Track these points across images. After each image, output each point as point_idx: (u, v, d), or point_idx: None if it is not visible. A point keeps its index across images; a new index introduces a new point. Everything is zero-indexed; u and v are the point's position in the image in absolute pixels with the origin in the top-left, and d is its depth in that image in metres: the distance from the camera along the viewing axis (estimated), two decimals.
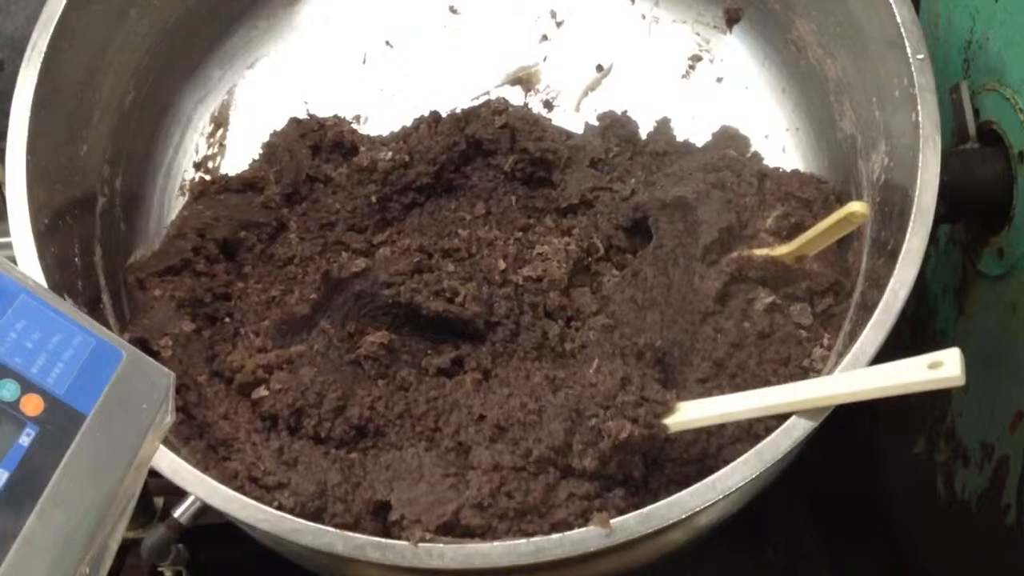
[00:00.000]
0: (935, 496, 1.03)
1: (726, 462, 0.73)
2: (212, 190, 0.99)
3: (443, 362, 0.91)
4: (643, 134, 1.02)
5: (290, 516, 0.73)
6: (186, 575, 1.00)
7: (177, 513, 0.82)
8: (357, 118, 1.08)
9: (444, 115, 1.02)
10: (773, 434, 0.73)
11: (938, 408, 1.01)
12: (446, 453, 0.81)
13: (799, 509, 1.15)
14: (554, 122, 1.04)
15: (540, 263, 0.94)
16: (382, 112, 1.08)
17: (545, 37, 1.11)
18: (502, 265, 0.93)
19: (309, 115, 1.05)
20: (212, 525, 0.82)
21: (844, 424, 0.75)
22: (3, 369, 0.45)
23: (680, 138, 1.02)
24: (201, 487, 0.74)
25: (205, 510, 0.78)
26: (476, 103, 1.06)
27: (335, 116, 1.05)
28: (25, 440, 0.44)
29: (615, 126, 1.02)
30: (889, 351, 0.72)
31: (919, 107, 0.80)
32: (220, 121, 1.08)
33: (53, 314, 0.47)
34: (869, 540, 1.16)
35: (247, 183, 1.00)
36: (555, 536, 0.71)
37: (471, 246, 0.96)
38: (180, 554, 0.93)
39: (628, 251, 0.97)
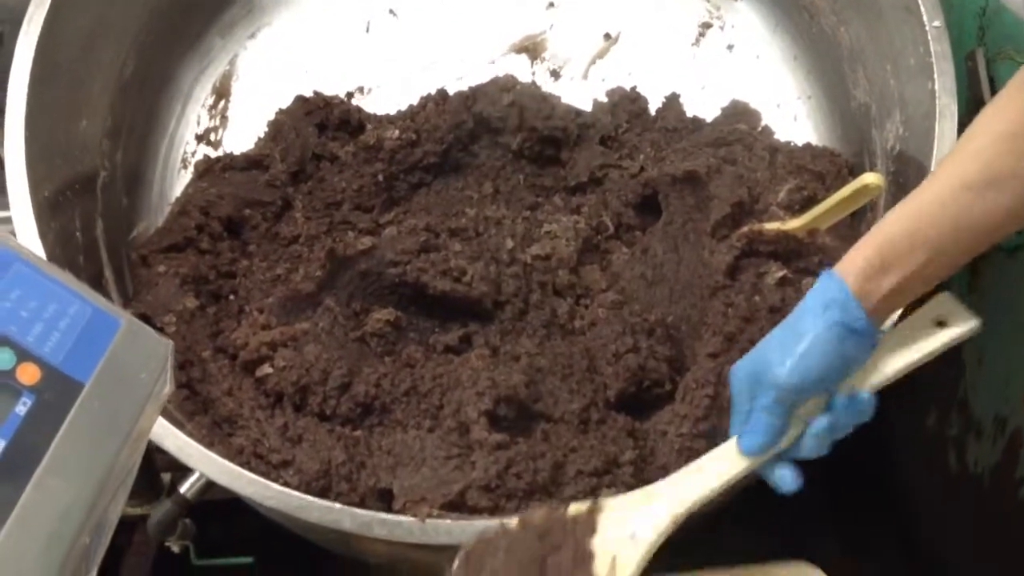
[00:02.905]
0: (946, 470, 1.02)
1: None
2: (217, 167, 0.98)
3: (451, 339, 0.90)
4: (652, 109, 1.01)
5: (297, 493, 0.73)
6: (193, 550, 1.00)
7: (183, 489, 0.82)
8: (360, 89, 1.07)
9: (451, 92, 1.01)
10: None
11: (950, 381, 1.00)
12: (448, 433, 0.80)
13: (808, 483, 1.14)
14: (561, 91, 1.03)
15: (548, 241, 0.93)
16: (386, 82, 1.07)
17: (551, 4, 1.09)
18: (510, 244, 0.93)
19: (315, 92, 1.03)
20: (219, 500, 0.81)
21: None
22: None
23: (690, 108, 1.00)
24: (208, 465, 0.73)
25: (211, 485, 0.78)
26: (481, 73, 1.04)
27: (338, 96, 1.04)
28: (21, 409, 0.43)
29: (624, 102, 1.01)
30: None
31: (935, 75, 0.79)
32: (222, 92, 1.06)
33: (49, 283, 0.47)
34: (879, 514, 1.15)
35: (252, 161, 0.99)
36: None
37: (478, 225, 0.95)
38: (187, 529, 0.93)
39: (638, 228, 0.96)
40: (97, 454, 0.44)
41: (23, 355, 0.44)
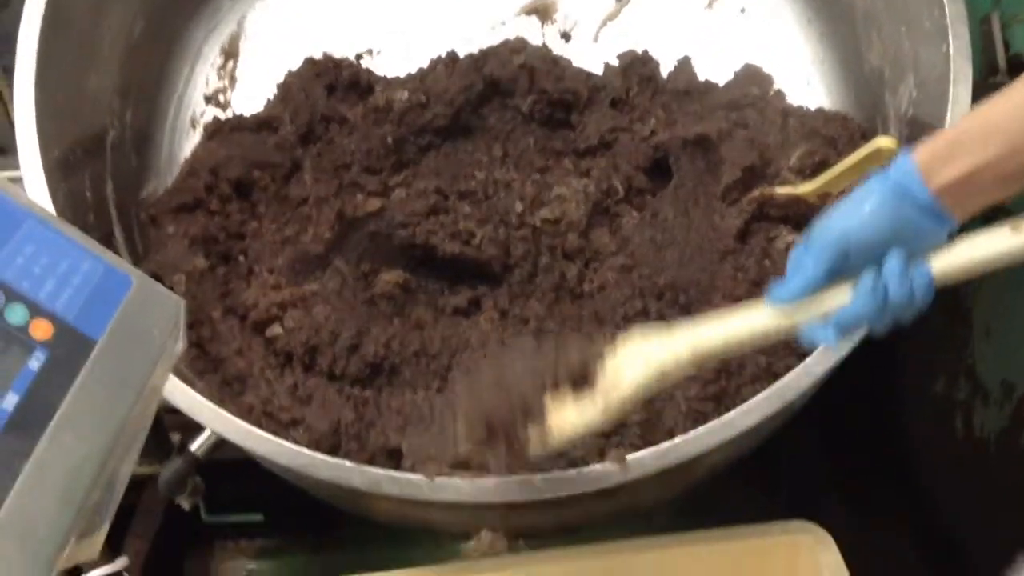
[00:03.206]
0: (953, 435, 1.03)
1: (744, 401, 0.73)
2: (226, 129, 0.98)
3: (460, 302, 0.90)
4: (664, 72, 1.00)
5: (307, 450, 0.74)
6: (203, 507, 1.01)
7: (193, 447, 0.83)
8: (369, 51, 1.06)
9: (461, 54, 1.00)
10: (792, 372, 0.72)
11: (958, 346, 1.00)
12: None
13: (815, 446, 1.15)
14: (571, 53, 1.02)
15: (558, 205, 0.93)
16: (395, 44, 1.06)
17: None
18: (519, 207, 0.92)
19: (324, 54, 1.03)
20: (228, 459, 0.82)
21: (863, 361, 0.74)
22: (11, 293, 0.44)
23: (702, 71, 0.99)
24: (219, 422, 0.74)
25: (221, 444, 0.78)
26: (492, 33, 1.03)
27: (347, 58, 1.03)
28: (35, 364, 0.43)
29: (635, 65, 1.00)
30: None
31: (950, 39, 0.78)
32: (230, 52, 1.06)
33: (61, 239, 0.47)
34: (885, 478, 1.16)
35: (261, 122, 0.98)
36: (571, 471, 0.71)
37: (488, 188, 0.94)
38: (197, 486, 0.94)
39: (648, 192, 0.95)
40: (110, 410, 0.44)
41: (36, 311, 0.45)
